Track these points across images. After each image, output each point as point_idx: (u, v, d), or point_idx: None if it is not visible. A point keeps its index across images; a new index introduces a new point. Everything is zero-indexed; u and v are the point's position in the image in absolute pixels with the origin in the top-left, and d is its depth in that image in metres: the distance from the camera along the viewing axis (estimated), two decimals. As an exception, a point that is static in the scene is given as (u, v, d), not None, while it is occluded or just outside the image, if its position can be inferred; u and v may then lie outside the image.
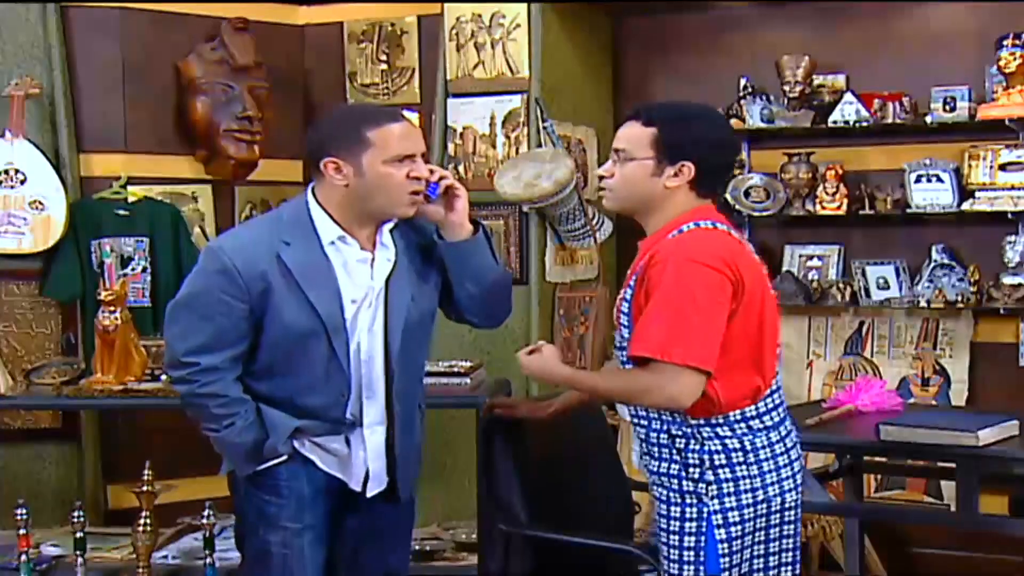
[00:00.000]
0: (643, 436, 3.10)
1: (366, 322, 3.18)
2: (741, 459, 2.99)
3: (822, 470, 4.74)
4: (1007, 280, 5.31)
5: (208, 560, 4.73)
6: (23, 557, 4.64)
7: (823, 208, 5.58)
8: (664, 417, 3.02)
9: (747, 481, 2.99)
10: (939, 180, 5.37)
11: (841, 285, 5.59)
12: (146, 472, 4.55)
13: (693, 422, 2.98)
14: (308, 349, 3.11)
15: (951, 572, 5.39)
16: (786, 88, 5.58)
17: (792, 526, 3.10)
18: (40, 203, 5.54)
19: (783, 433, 3.08)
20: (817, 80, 5.66)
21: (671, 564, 3.02)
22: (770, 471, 3.02)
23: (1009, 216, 5.25)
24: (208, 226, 6.04)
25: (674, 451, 3.01)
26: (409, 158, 3.10)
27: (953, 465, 4.04)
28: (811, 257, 5.78)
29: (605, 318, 5.84)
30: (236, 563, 4.88)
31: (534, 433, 3.67)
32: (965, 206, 5.33)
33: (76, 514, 4.63)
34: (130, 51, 5.89)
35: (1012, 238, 5.31)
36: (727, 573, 2.98)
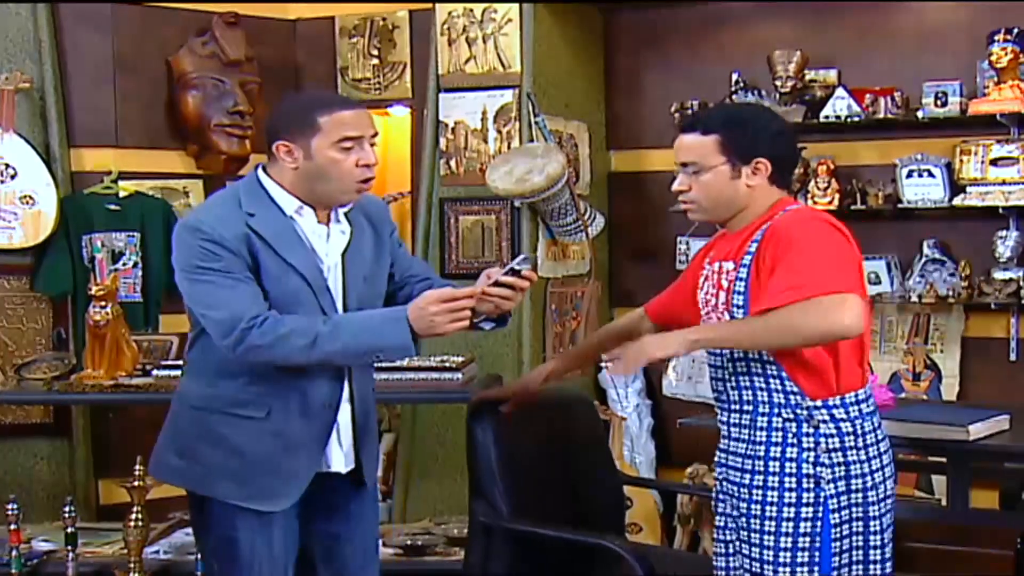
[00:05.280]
0: (745, 422, 3.06)
1: (336, 295, 3.22)
2: (853, 443, 3.00)
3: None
4: (998, 275, 5.31)
5: (199, 555, 4.71)
6: (14, 552, 4.63)
7: (815, 203, 5.58)
8: (776, 400, 3.01)
9: (857, 466, 3.00)
10: (930, 175, 5.38)
11: (832, 280, 5.59)
12: (137, 467, 4.54)
13: (809, 404, 2.98)
14: (299, 311, 3.10)
15: (942, 566, 5.39)
16: (778, 83, 5.58)
17: (891, 516, 3.09)
18: (31, 198, 5.52)
19: (880, 420, 3.12)
20: (809, 75, 5.66)
21: (782, 553, 2.98)
22: (875, 456, 3.04)
23: (1000, 211, 5.25)
24: (199, 221, 6.02)
25: (789, 435, 3.00)
26: (357, 141, 3.12)
27: (944, 459, 4.04)
28: (803, 252, 5.78)
29: (596, 313, 5.85)
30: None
31: (521, 426, 3.67)
32: (956, 201, 5.33)
33: (67, 509, 4.63)
34: (121, 45, 5.89)
35: (1003, 233, 5.32)
36: (836, 558, 2.98)
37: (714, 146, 3.06)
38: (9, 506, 4.61)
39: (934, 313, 5.57)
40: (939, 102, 5.31)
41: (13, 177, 5.52)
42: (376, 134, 3.18)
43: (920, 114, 5.37)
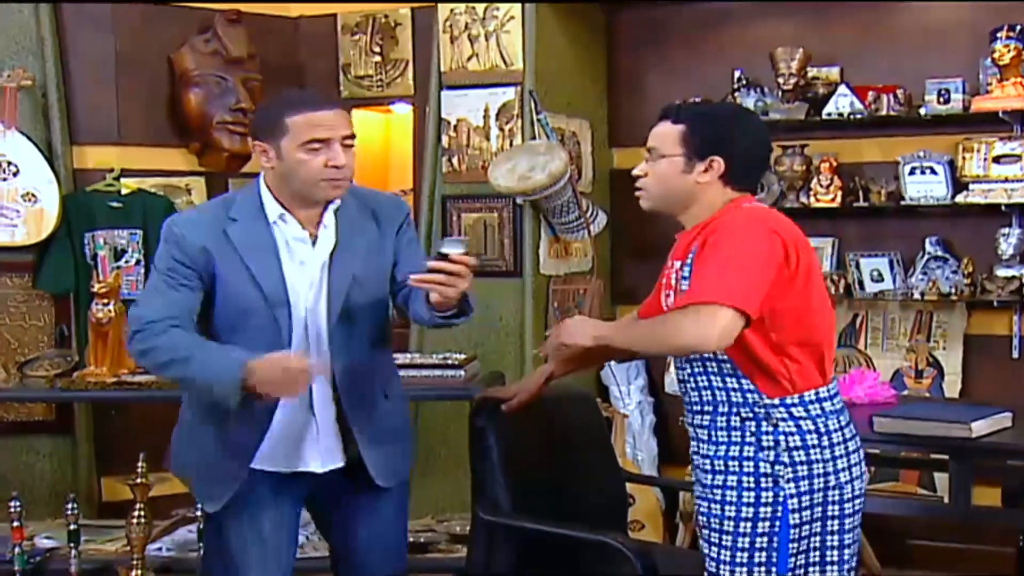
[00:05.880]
0: (706, 423, 3.05)
1: (311, 300, 3.23)
2: (815, 442, 2.97)
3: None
4: (1001, 272, 5.31)
5: (202, 552, 4.72)
6: (17, 549, 4.63)
7: (817, 200, 5.59)
8: (734, 400, 2.99)
9: (820, 465, 2.96)
10: (933, 172, 5.37)
11: (835, 277, 5.59)
12: (140, 464, 4.54)
13: (767, 402, 2.96)
14: (251, 322, 3.19)
15: (944, 563, 5.40)
16: (780, 80, 5.58)
17: (857, 517, 3.06)
18: (33, 195, 5.52)
19: (849, 418, 3.08)
20: (811, 72, 5.66)
21: (740, 553, 2.97)
22: (841, 456, 3.00)
23: (1003, 208, 5.25)
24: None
25: (747, 434, 2.98)
26: (325, 143, 3.12)
27: (946, 457, 4.04)
28: (805, 249, 5.78)
29: (598, 310, 5.85)
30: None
31: (523, 424, 3.67)
32: (959, 198, 5.33)
33: (70, 506, 4.62)
34: (123, 43, 5.89)
35: (1006, 230, 5.31)
36: (794, 559, 2.96)
37: (677, 136, 3.05)
38: (12, 503, 4.61)
39: (936, 310, 5.57)
40: (942, 99, 5.30)
41: (15, 174, 5.52)
42: (350, 135, 3.17)
43: (923, 111, 5.37)
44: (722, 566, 2.99)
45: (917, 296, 5.44)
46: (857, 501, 3.05)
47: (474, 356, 4.98)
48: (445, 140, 5.78)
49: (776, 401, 2.97)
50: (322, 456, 3.31)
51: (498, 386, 3.93)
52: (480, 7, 5.70)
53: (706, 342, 2.83)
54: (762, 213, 3.04)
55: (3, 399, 5.38)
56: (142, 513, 4.57)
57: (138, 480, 4.55)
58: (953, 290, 5.36)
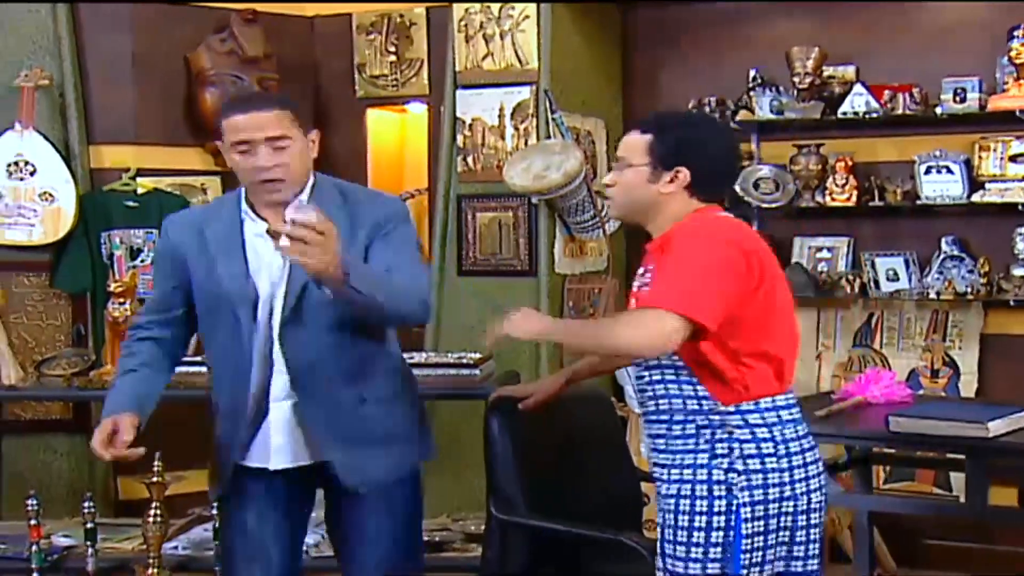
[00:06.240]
0: (663, 432, 3.04)
1: (272, 298, 3.24)
2: (771, 450, 2.95)
3: (831, 461, 4.73)
4: (1017, 272, 5.29)
5: (218, 551, 4.73)
6: (34, 548, 4.64)
7: (833, 200, 5.58)
8: (690, 407, 2.98)
9: (775, 475, 2.94)
10: (949, 171, 5.36)
11: (851, 277, 5.58)
12: (156, 463, 4.55)
13: (722, 410, 2.95)
14: (219, 321, 3.26)
15: (960, 564, 5.38)
16: (796, 79, 5.57)
17: (817, 530, 3.03)
18: (50, 195, 5.55)
19: (806, 429, 3.06)
20: (827, 71, 5.64)
21: (692, 564, 2.95)
22: (798, 467, 2.98)
23: (1019, 207, 5.23)
24: (218, 218, 6.04)
25: (701, 442, 2.97)
26: (249, 144, 3.15)
27: (963, 456, 4.03)
28: (820, 249, 5.77)
29: (614, 309, 5.85)
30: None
31: (538, 422, 3.67)
32: (975, 197, 5.32)
33: (87, 505, 4.64)
34: (140, 42, 5.91)
35: (1022, 230, 5.30)
36: (747, 571, 2.93)
37: (644, 146, 3.05)
38: (29, 501, 4.62)
39: (952, 310, 5.55)
40: (958, 98, 5.29)
41: (32, 174, 5.54)
42: (277, 136, 3.15)
43: (939, 110, 5.35)
44: (676, 572, 2.98)
45: (933, 296, 5.42)
46: (814, 515, 3.01)
47: (489, 355, 4.98)
48: (460, 139, 5.79)
49: (732, 408, 2.95)
50: (273, 455, 3.31)
51: (513, 385, 3.94)
52: (495, 6, 5.70)
53: (645, 346, 2.85)
54: (721, 223, 3.04)
55: (21, 398, 5.40)
56: (158, 512, 4.57)
57: (154, 479, 4.55)
58: (969, 289, 5.35)
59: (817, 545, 3.04)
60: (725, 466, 2.94)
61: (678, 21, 6.07)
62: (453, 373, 4.70)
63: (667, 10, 6.08)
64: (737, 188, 5.62)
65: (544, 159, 5.45)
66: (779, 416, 2.98)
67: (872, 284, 5.59)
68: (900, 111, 5.42)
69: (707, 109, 5.73)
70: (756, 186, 5.68)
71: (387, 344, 3.41)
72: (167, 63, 5.94)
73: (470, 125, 5.76)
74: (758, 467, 2.94)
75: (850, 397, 4.45)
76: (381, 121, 6.78)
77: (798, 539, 2.99)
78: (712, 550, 2.94)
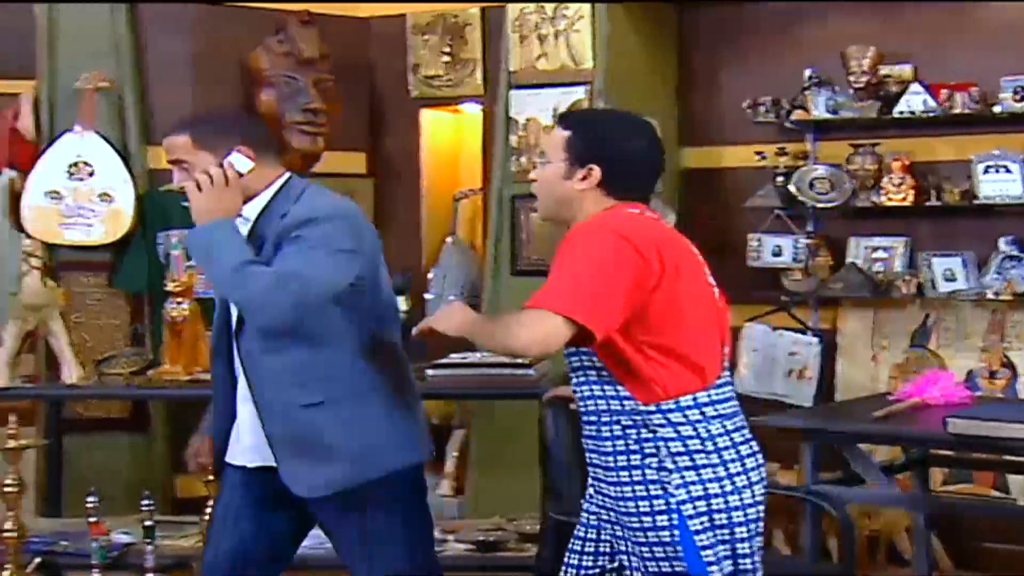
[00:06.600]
0: (593, 433, 3.00)
1: None
2: (699, 447, 2.89)
3: (888, 463, 4.72)
4: (1077, 272, 5.24)
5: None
6: (95, 544, 4.71)
7: (889, 199, 5.54)
8: (613, 408, 2.94)
9: (709, 470, 2.88)
10: (1008, 171, 5.31)
11: (907, 277, 5.54)
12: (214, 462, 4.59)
13: (643, 409, 2.90)
14: (224, 316, 3.35)
15: (1019, 567, 5.33)
16: (852, 78, 5.54)
17: (758, 525, 2.97)
18: (109, 195, 5.62)
19: (740, 424, 2.99)
20: (883, 70, 5.60)
21: (645, 563, 2.91)
22: (733, 460, 2.91)
23: (1079, 207, 5.19)
24: (273, 217, 6.09)
25: (630, 442, 2.92)
26: (172, 165, 3.27)
27: (1022, 459, 4.00)
28: (877, 249, 5.73)
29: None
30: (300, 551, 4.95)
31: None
32: (1034, 197, 5.27)
33: (146, 502, 4.69)
34: (198, 45, 5.96)
35: (1082, 229, 5.25)
36: (712, 567, 2.87)
37: (562, 142, 3.02)
38: (89, 499, 4.68)
39: (1011, 310, 5.49)
40: (1017, 97, 5.24)
41: (92, 175, 5.61)
42: (174, 160, 3.24)
43: (997, 109, 5.30)
44: (635, 573, 2.95)
45: (991, 296, 5.37)
46: (751, 510, 2.94)
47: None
48: (514, 139, 5.80)
49: (652, 407, 2.90)
50: (244, 453, 3.36)
51: (568, 384, 3.94)
52: (550, 6, 5.71)
53: (528, 346, 2.81)
54: (615, 220, 2.94)
55: (82, 396, 5.47)
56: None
57: (212, 477, 4.60)
58: (1028, 290, 5.30)
59: (759, 541, 2.99)
60: (655, 465, 2.89)
61: (734, 21, 6.05)
62: (508, 373, 4.71)
63: (724, 10, 6.05)
64: (792, 188, 5.61)
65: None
66: (702, 413, 2.91)
67: (929, 284, 5.54)
68: (958, 110, 5.37)
69: (762, 109, 5.70)
70: (812, 186, 5.65)
71: (329, 350, 3.27)
72: (224, 64, 5.99)
73: (524, 125, 5.77)
74: (689, 464, 2.88)
75: (908, 398, 4.42)
76: (436, 121, 6.80)
77: (739, 535, 2.92)
78: (657, 549, 2.89)
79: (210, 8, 5.96)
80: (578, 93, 5.67)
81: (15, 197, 5.62)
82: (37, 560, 4.90)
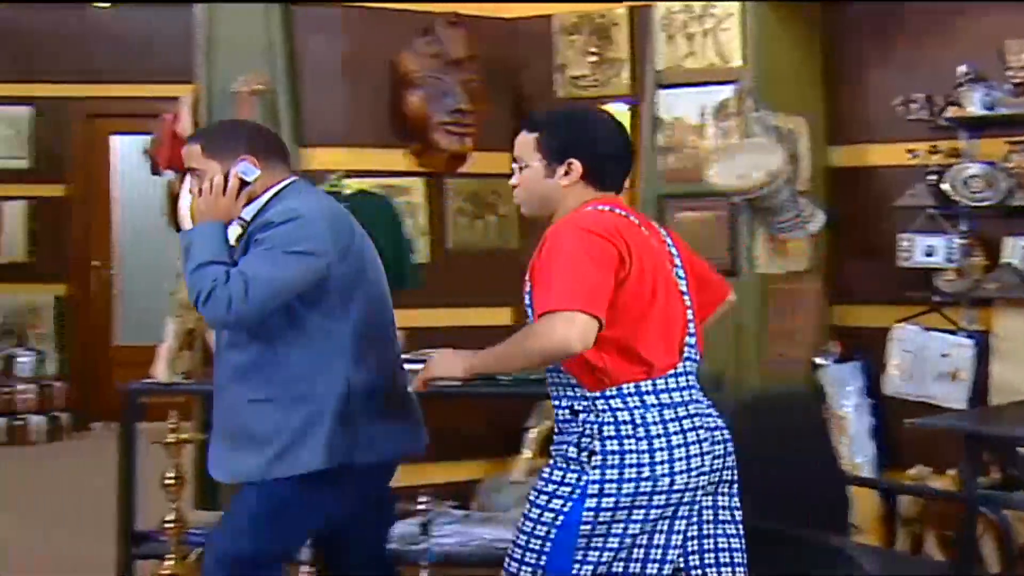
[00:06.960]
0: (558, 418, 3.17)
1: None
2: (630, 432, 3.03)
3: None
4: None
5: (425, 545, 4.84)
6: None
7: (1042, 198, 5.40)
8: (569, 394, 3.11)
9: (633, 456, 3.02)
10: None
11: (1064, 278, 5.40)
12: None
13: (590, 395, 3.06)
14: None
15: None
16: (1010, 74, 5.41)
17: (684, 512, 3.09)
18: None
19: (683, 414, 3.10)
20: (1043, 65, 5.47)
21: (523, 535, 3.06)
22: (660, 449, 3.04)
23: None
24: (421, 219, 6.17)
25: (575, 425, 3.09)
26: (189, 172, 3.57)
27: None
28: (1034, 248, 5.59)
29: (816, 309, 5.79)
30: (451, 549, 5.01)
31: (745, 422, 3.66)
32: None
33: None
34: (347, 46, 6.07)
35: None
36: (584, 540, 3.01)
37: (532, 144, 3.20)
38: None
39: None
40: None
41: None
42: (192, 168, 3.52)
43: None
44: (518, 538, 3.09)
45: None
46: (674, 495, 3.05)
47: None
48: (661, 139, 5.79)
49: (597, 394, 3.06)
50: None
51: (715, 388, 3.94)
52: (697, 5, 5.69)
53: (571, 346, 2.90)
54: (589, 219, 3.09)
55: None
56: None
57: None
58: None
59: (681, 536, 3.09)
60: (583, 445, 3.06)
61: (885, 16, 5.95)
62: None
63: (873, 6, 5.96)
64: (946, 186, 5.50)
65: (747, 158, 5.41)
66: (642, 401, 3.06)
67: (1089, 285, 5.40)
68: (1122, 105, 5.23)
69: (914, 106, 5.60)
70: (966, 184, 5.53)
71: (287, 350, 3.41)
72: (373, 66, 6.08)
73: (672, 125, 5.75)
74: (616, 448, 3.03)
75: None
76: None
77: (653, 517, 3.04)
78: (547, 514, 3.04)
79: (360, 9, 6.06)
80: (726, 92, 5.64)
81: (175, 198, 5.77)
82: (197, 551, 5.04)
